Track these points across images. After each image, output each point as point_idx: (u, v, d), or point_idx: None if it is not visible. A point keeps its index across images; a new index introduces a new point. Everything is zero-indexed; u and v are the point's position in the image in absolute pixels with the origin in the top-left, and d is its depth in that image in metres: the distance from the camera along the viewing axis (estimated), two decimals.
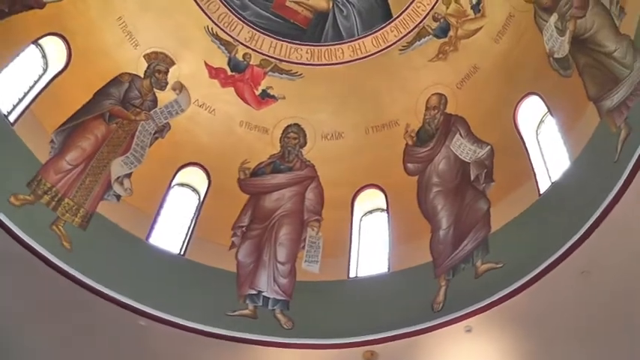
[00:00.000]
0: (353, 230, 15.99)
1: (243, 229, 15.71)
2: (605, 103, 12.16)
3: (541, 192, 13.38)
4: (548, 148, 14.10)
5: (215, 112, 16.64)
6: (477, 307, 12.83)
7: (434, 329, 13.27)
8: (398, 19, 16.45)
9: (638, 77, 11.33)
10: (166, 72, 15.99)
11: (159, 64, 15.90)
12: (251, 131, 16.87)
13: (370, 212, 16.55)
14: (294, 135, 16.90)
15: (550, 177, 13.53)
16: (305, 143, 16.91)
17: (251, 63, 16.75)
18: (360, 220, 16.44)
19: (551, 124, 14.04)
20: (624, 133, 11.40)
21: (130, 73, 15.65)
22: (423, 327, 13.40)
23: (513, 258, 12.96)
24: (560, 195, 12.88)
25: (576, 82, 13.17)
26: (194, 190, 16.28)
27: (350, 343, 13.80)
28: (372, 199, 16.48)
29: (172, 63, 16.07)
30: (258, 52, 16.80)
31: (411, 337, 13.43)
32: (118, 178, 14.82)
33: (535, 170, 13.86)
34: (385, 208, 16.14)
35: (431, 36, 16.24)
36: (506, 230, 13.59)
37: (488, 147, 15.01)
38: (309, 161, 16.79)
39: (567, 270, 11.82)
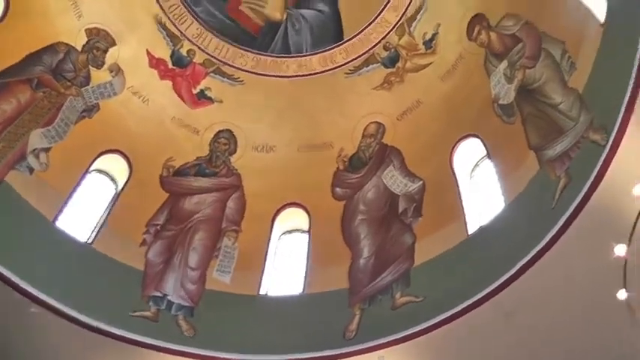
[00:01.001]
0: (270, 246, 15.49)
1: (158, 227, 14.95)
2: (546, 152, 12.36)
3: (470, 232, 13.39)
4: (482, 189, 14.14)
5: (149, 102, 15.90)
6: (391, 339, 12.61)
7: (344, 357, 12.97)
8: (349, 42, 16.32)
9: (583, 130, 11.53)
10: (105, 51, 15.19)
11: (99, 42, 15.08)
12: (182, 129, 16.20)
13: (290, 232, 16.11)
14: (224, 141, 16.33)
15: (481, 219, 13.52)
16: (235, 151, 16.36)
17: (194, 60, 16.20)
18: (279, 237, 15.96)
19: (489, 166, 14.13)
20: (564, 182, 11.62)
21: (67, 44, 14.76)
22: (332, 353, 13.08)
23: (435, 294, 12.90)
24: (490, 237, 12.93)
25: (518, 129, 13.41)
26: (112, 179, 15.35)
27: None
28: (294, 218, 16.06)
29: (113, 43, 15.28)
30: (203, 50, 16.26)
31: None
32: (35, 150, 13.76)
33: (466, 210, 13.86)
34: (307, 229, 15.78)
35: (379, 64, 16.17)
36: (430, 266, 13.51)
37: (421, 182, 15.00)
38: (236, 169, 16.23)
39: (489, 311, 11.86)
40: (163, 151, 15.85)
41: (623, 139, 10.35)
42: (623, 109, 10.25)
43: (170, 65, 16.04)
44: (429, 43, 15.59)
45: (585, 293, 11.11)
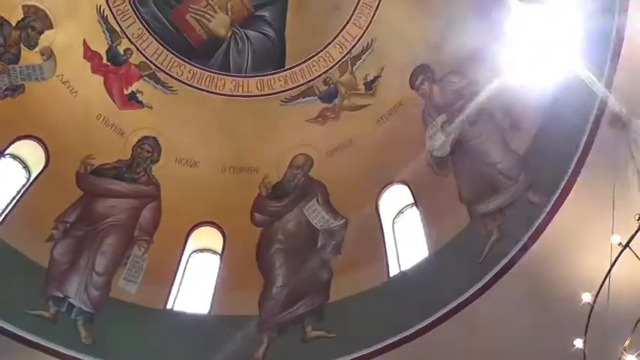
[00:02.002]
0: (181, 262, 14.95)
1: (67, 225, 14.08)
2: (479, 207, 12.61)
3: (390, 276, 13.41)
4: (407, 236, 14.23)
5: (77, 94, 15.13)
6: None
7: None
8: (289, 70, 16.32)
9: (521, 190, 11.90)
10: (40, 32, 14.38)
11: (35, 21, 14.27)
12: (106, 128, 15.49)
13: (201, 251, 15.62)
14: (148, 148, 15.73)
15: (403, 264, 13.60)
16: (157, 160, 15.77)
17: (130, 61, 15.70)
18: (190, 255, 15.43)
19: (415, 214, 14.25)
20: (495, 238, 11.88)
21: (1, 17, 13.83)
22: None
23: (348, 332, 12.80)
24: (410, 283, 12.91)
25: (450, 182, 13.64)
26: (26, 167, 14.40)
27: None
28: (208, 237, 15.59)
29: (50, 26, 14.49)
30: (141, 52, 15.81)
31: None
32: None
33: (388, 254, 13.89)
34: (220, 250, 15.31)
35: (316, 97, 16.22)
36: (346, 304, 13.39)
37: (343, 220, 14.95)
38: (155, 179, 15.63)
39: (400, 356, 11.86)
40: (84, 147, 15.04)
41: (564, 204, 10.76)
42: (568, 175, 10.70)
43: (104, 60, 15.44)
44: (370, 85, 15.80)
45: (501, 351, 11.24)
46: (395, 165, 14.97)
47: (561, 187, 10.89)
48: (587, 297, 7.16)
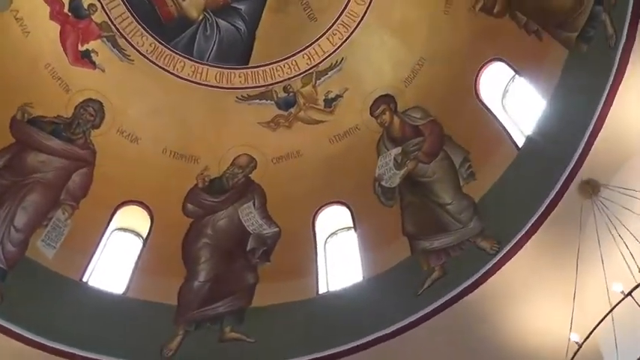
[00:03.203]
0: (104, 236, 14.17)
1: None
2: (422, 243, 12.82)
3: (319, 293, 13.32)
4: (343, 257, 14.20)
5: (28, 36, 14.05)
6: None
7: None
8: (252, 69, 15.92)
9: (471, 234, 12.18)
10: None
11: None
12: (52, 80, 14.44)
13: (125, 230, 14.82)
14: (92, 111, 14.80)
15: (335, 284, 13.54)
16: (99, 126, 14.88)
17: (92, 17, 14.78)
18: (112, 232, 14.59)
19: (352, 238, 14.24)
20: (437, 275, 12.09)
21: None
22: None
23: (268, 339, 12.63)
24: (339, 304, 12.92)
25: (395, 213, 13.82)
26: None
27: (55, 349, 11.73)
28: (135, 217, 14.83)
29: None
30: (105, 12, 14.93)
31: None
32: None
33: (318, 271, 13.77)
34: (145, 234, 14.60)
35: (273, 102, 15.91)
36: (269, 311, 13.16)
37: (277, 229, 14.73)
38: (93, 145, 14.71)
39: None
40: (25, 93, 14.01)
41: (515, 257, 11.09)
42: (525, 229, 11.05)
43: (66, 9, 14.45)
44: (330, 103, 15.68)
45: None
46: (339, 186, 15.05)
47: (515, 240, 11.24)
48: (575, 337, 7.34)
